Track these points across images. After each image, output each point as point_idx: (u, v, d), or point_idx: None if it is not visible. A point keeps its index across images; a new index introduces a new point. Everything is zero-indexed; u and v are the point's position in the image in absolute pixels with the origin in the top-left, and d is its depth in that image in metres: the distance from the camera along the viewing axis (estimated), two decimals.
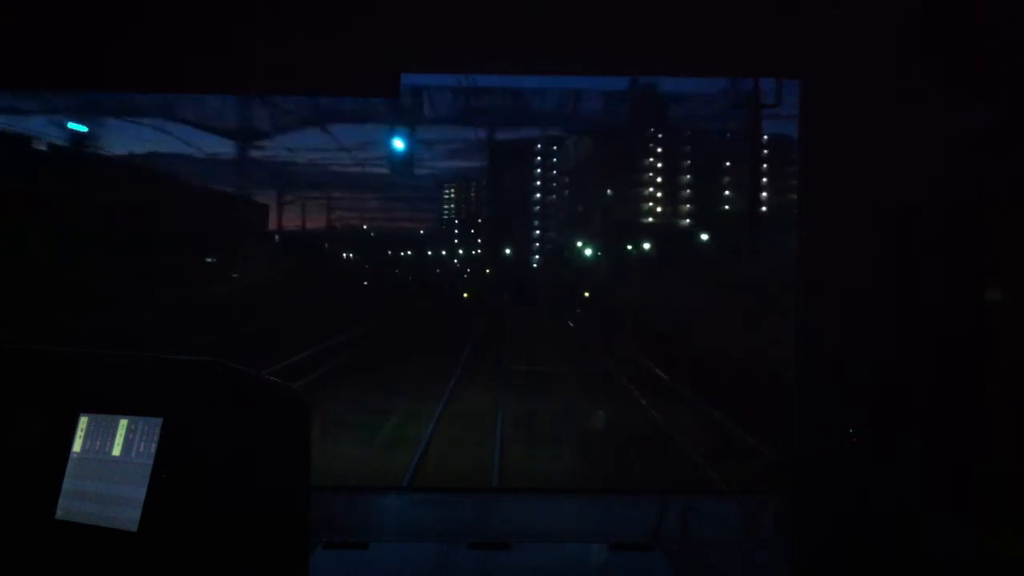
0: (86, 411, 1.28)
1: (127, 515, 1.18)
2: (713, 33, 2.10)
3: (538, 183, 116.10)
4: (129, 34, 2.06)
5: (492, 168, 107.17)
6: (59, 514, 1.24)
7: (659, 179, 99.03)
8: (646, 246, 57.45)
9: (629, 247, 60.07)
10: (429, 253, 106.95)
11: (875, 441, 2.03)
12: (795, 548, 2.21)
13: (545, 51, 2.19)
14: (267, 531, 1.22)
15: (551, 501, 2.68)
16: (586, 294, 44.55)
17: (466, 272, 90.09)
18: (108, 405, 1.27)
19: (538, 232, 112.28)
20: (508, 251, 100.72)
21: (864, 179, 2.07)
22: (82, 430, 1.28)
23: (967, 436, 1.89)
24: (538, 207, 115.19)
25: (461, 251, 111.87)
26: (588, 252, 71.54)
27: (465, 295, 49.93)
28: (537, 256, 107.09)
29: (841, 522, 2.07)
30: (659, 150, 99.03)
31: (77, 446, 1.27)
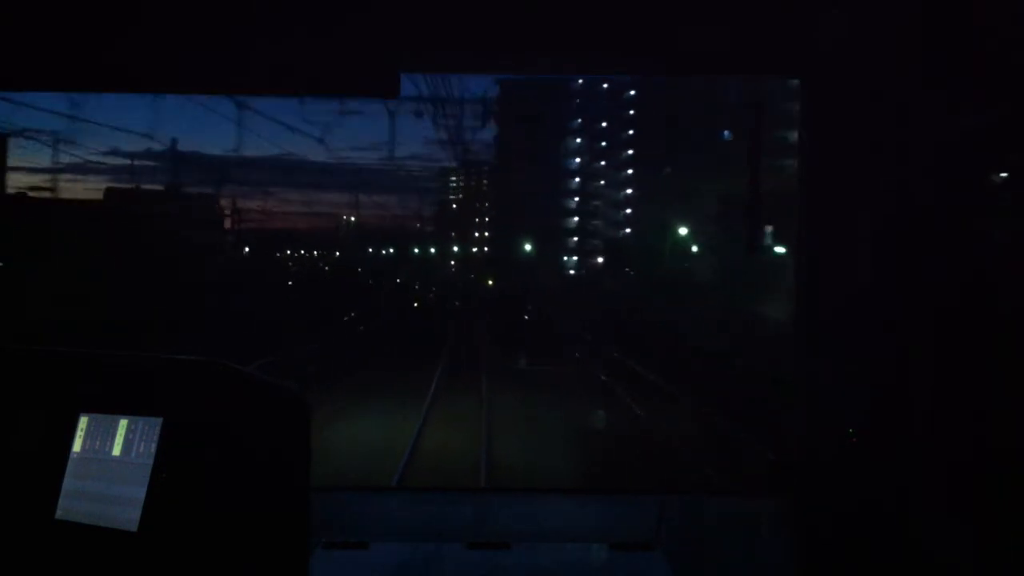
0: (86, 411, 1.28)
1: (127, 515, 1.18)
2: (713, 33, 2.10)
3: (578, 141, 68.34)
4: (128, 34, 2.06)
5: (504, 121, 62.64)
6: (59, 514, 1.24)
7: None
8: None
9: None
10: (416, 251, 78.62)
11: (875, 441, 2.03)
12: (795, 548, 2.21)
13: (545, 51, 2.19)
14: (267, 531, 1.22)
15: (551, 501, 2.68)
16: None
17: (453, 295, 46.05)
18: (108, 405, 1.27)
19: (576, 220, 68.25)
20: (528, 247, 61.56)
21: (864, 179, 2.07)
22: (82, 430, 1.28)
23: (967, 436, 1.89)
24: (577, 180, 69.14)
25: (457, 249, 79.73)
26: (694, 247, 35.83)
27: None
28: (575, 258, 66.16)
29: (841, 522, 2.07)
30: None
31: (77, 446, 1.27)
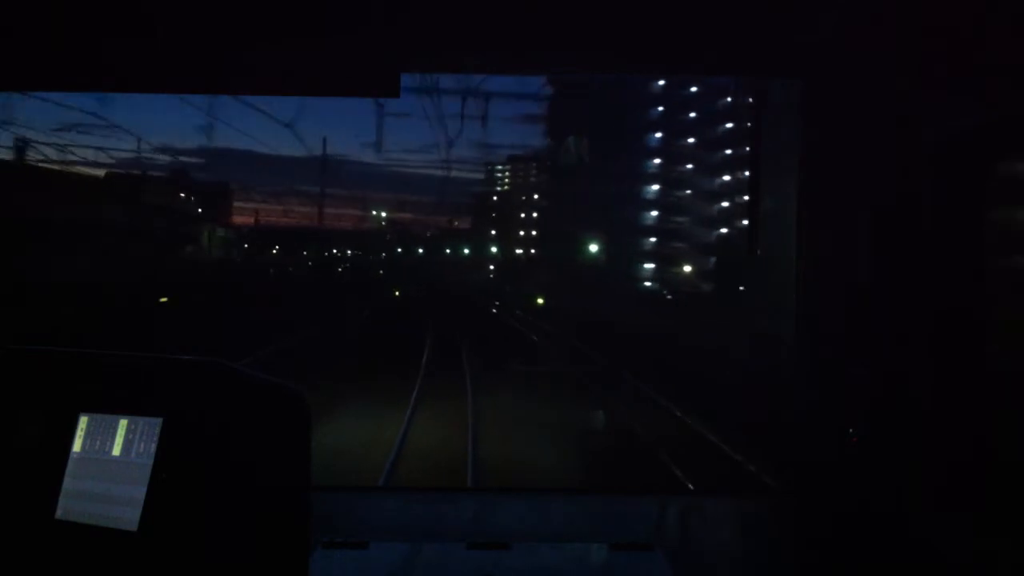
0: (86, 411, 1.28)
1: (127, 515, 1.19)
2: (713, 33, 2.10)
3: (659, 109, 49.78)
4: (128, 34, 2.06)
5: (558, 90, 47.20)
6: (59, 514, 1.24)
7: None
8: None
9: None
10: (448, 251, 66.07)
11: (875, 441, 2.03)
12: (795, 548, 2.21)
13: (545, 51, 2.19)
14: (267, 531, 1.22)
15: (551, 501, 2.68)
16: None
17: None
18: (108, 405, 1.27)
19: (656, 214, 48.97)
20: (594, 247, 42.98)
21: (864, 178, 2.07)
22: (82, 430, 1.28)
23: (967, 436, 1.89)
24: (658, 160, 49.80)
25: (496, 249, 64.99)
26: None
27: None
28: (651, 265, 46.61)
29: (841, 522, 2.07)
30: None
31: (77, 446, 1.27)
